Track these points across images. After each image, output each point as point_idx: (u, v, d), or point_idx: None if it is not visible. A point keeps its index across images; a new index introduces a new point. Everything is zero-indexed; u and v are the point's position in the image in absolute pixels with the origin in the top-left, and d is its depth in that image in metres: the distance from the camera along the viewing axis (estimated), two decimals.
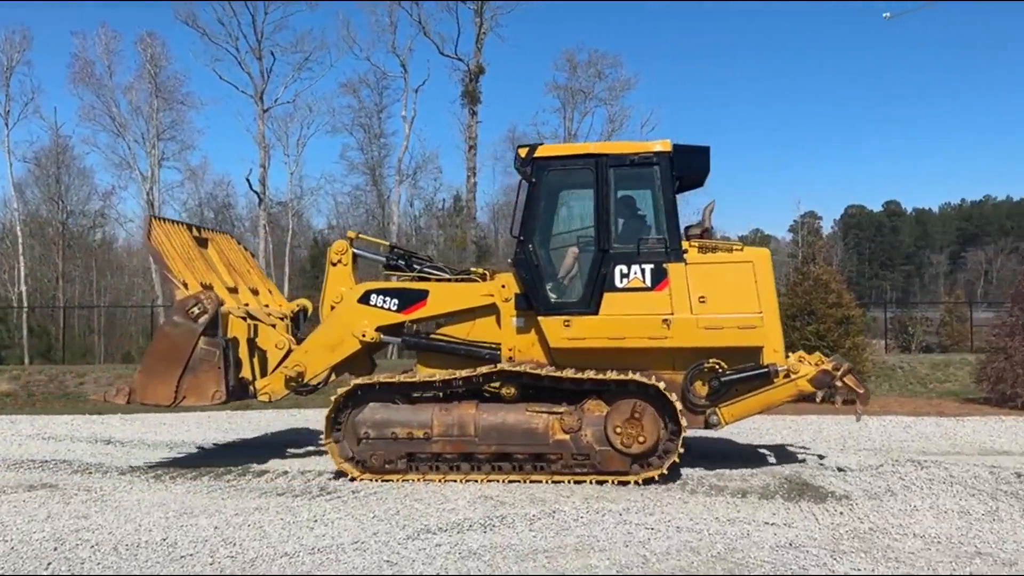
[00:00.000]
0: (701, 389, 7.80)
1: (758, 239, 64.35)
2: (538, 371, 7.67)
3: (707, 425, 7.82)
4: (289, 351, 8.66)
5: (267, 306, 9.52)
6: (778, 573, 5.02)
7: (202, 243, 9.39)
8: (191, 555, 5.50)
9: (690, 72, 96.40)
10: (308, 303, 9.94)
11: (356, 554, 5.48)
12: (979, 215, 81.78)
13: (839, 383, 7.82)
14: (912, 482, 7.40)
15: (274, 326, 8.89)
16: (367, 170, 39.58)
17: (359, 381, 7.97)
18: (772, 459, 8.96)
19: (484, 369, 7.82)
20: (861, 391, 7.97)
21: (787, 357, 8.16)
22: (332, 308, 8.68)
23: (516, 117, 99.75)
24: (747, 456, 9.11)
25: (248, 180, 36.96)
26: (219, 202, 46.31)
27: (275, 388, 8.62)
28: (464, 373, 7.81)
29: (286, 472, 8.40)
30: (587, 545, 5.63)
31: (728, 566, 5.17)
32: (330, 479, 7.96)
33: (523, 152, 8.08)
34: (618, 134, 39.25)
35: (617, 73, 39.24)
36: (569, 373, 7.67)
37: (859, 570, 5.05)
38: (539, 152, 8.05)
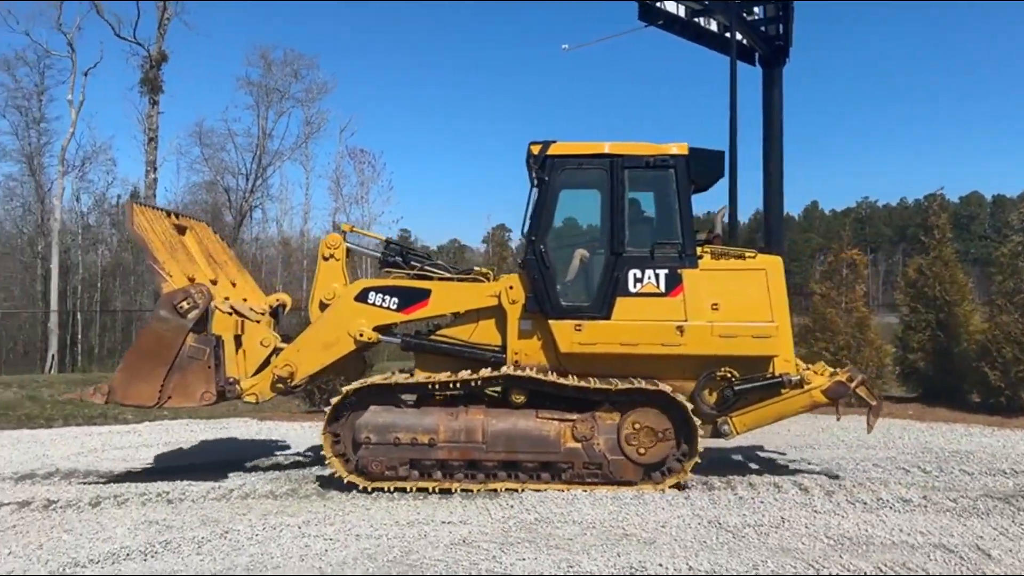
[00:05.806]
0: (710, 397, 7.59)
1: (455, 248, 67.15)
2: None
3: (718, 434, 7.65)
4: (275, 349, 8.02)
5: (246, 300, 8.69)
6: (450, 570, 5.19)
7: (180, 231, 8.63)
8: None
9: (388, 79, 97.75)
10: (287, 297, 9.15)
11: None
12: None
13: (853, 394, 7.76)
14: None
15: (258, 322, 8.20)
16: (23, 158, 34.74)
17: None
18: None
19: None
20: (874, 403, 7.92)
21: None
22: (321, 304, 8.06)
23: (205, 111, 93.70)
24: None
25: None
26: None
27: (262, 389, 7.98)
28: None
29: None
30: (260, 564, 5.40)
31: (403, 569, 5.24)
32: None
33: (535, 149, 7.75)
34: (316, 137, 38.64)
35: (314, 75, 38.58)
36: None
37: (523, 558, 5.40)
38: (552, 150, 7.73)
